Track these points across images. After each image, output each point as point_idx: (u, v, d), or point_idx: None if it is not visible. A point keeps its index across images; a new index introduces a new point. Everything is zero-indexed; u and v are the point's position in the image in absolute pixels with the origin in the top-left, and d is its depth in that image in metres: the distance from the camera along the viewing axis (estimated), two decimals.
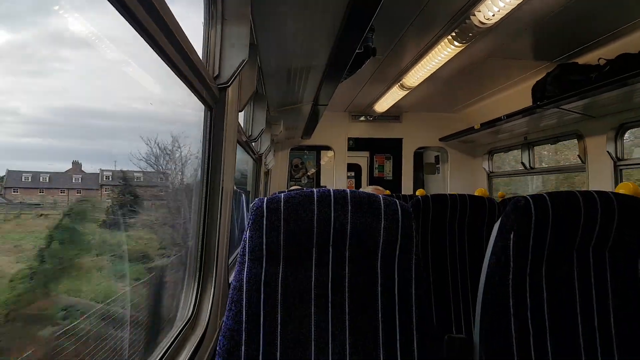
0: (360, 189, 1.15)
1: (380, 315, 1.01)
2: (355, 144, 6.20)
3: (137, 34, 0.97)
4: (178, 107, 1.65)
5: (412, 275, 1.01)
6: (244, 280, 0.99)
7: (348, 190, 1.04)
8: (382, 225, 1.01)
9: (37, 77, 1.16)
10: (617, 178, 3.22)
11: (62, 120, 1.27)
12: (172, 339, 1.27)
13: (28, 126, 1.17)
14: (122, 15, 0.88)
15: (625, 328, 1.05)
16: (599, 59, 2.91)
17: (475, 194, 2.07)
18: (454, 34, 2.83)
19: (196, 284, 1.52)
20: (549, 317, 1.04)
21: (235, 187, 4.12)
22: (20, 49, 1.07)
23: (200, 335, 1.40)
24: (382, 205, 1.02)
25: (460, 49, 3.04)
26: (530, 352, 1.01)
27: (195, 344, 1.33)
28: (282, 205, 1.00)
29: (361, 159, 6.79)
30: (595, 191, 1.06)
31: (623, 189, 1.27)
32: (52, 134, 1.28)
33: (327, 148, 6.25)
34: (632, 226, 1.07)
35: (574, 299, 1.06)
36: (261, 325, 0.98)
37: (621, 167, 3.22)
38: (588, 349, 1.04)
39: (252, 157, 4.01)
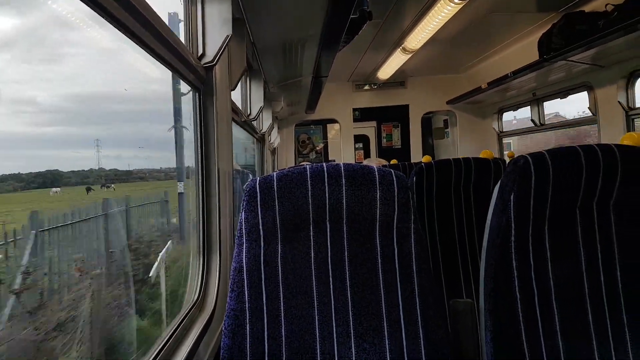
0: (364, 162, 1.12)
1: (382, 286, 1.00)
2: (361, 115, 6.09)
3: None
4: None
5: (411, 243, 1.00)
6: (244, 261, 0.99)
7: (341, 164, 1.03)
8: (378, 197, 0.99)
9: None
10: (630, 128, 3.11)
11: (82, 108, 1.31)
12: (180, 321, 1.28)
13: (48, 115, 1.20)
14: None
15: (633, 281, 1.03)
16: (606, 4, 2.77)
17: (480, 156, 2.02)
18: None
19: (201, 266, 1.53)
20: (553, 276, 1.01)
21: (242, 168, 4.12)
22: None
23: (207, 317, 1.41)
24: (377, 176, 1.00)
25: (460, 6, 2.93)
26: (535, 312, 0.99)
27: (202, 326, 1.34)
28: (275, 184, 0.99)
29: (368, 129, 6.70)
30: (598, 144, 1.01)
31: (628, 139, 1.20)
32: (73, 122, 1.30)
33: (333, 121, 6.17)
34: (636, 179, 1.02)
35: (579, 257, 1.03)
36: (264, 304, 0.99)
37: (633, 117, 3.11)
38: (594, 304, 1.02)
39: (254, 136, 3.97)
